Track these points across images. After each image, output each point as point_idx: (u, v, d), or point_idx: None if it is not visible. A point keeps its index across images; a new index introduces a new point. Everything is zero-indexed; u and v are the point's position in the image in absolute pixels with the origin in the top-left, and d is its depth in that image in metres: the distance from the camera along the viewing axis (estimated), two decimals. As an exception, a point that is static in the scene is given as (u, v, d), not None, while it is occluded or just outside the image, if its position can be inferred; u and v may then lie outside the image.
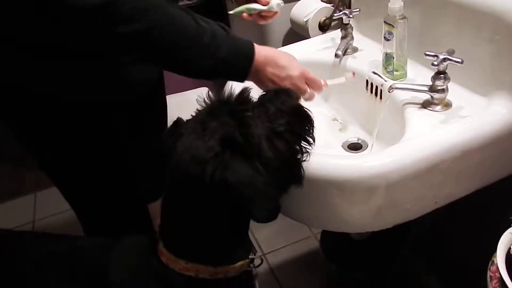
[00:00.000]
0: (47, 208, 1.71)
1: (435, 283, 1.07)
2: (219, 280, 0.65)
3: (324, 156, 0.70)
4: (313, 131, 0.67)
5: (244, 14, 0.86)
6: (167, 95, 1.07)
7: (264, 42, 1.30)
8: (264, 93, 0.67)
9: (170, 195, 0.65)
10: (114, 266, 0.68)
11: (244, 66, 0.71)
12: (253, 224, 0.66)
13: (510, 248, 0.66)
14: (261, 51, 0.72)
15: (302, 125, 0.66)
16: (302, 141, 0.65)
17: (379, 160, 0.67)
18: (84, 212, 0.92)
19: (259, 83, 0.75)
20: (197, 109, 0.65)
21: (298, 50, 1.00)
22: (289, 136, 0.63)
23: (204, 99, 0.64)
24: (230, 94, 0.63)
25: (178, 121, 0.66)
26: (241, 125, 0.60)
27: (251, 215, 0.61)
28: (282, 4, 0.84)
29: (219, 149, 0.57)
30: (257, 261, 0.70)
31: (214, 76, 0.72)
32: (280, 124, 0.62)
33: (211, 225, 0.63)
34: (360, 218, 0.73)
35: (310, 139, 0.66)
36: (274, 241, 1.39)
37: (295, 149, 0.64)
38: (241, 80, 0.72)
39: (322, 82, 0.80)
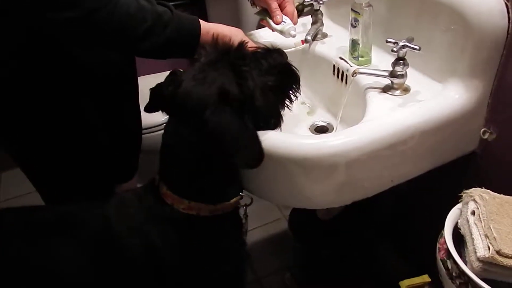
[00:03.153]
0: (12, 190, 1.69)
1: (396, 258, 1.14)
2: (216, 216, 0.73)
3: (288, 136, 0.74)
4: (298, 88, 0.78)
5: (265, 22, 0.91)
6: (143, 75, 1.08)
7: (239, 25, 1.32)
8: (258, 50, 0.75)
9: (171, 139, 0.71)
10: (116, 218, 0.73)
11: (190, 44, 0.75)
12: None
13: (457, 222, 0.71)
14: (207, 27, 0.76)
15: (290, 81, 0.76)
16: (288, 95, 0.76)
17: (339, 140, 0.71)
18: (52, 196, 0.93)
19: None
20: (196, 59, 0.72)
21: (270, 34, 1.03)
22: (278, 89, 0.73)
23: (203, 49, 0.71)
24: (229, 47, 0.71)
25: (175, 71, 0.73)
26: (238, 77, 0.68)
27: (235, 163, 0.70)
28: (294, 33, 0.87)
29: (217, 98, 0.64)
30: (247, 199, 0.80)
31: (162, 55, 0.75)
32: (271, 79, 0.72)
33: (210, 167, 0.70)
34: (321, 195, 0.77)
35: (294, 94, 0.77)
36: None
37: (282, 101, 0.75)
38: (190, 57, 0.75)
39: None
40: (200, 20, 0.77)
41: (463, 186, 0.73)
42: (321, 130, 0.99)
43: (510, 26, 0.70)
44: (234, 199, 0.76)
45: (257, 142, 0.69)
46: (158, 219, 0.73)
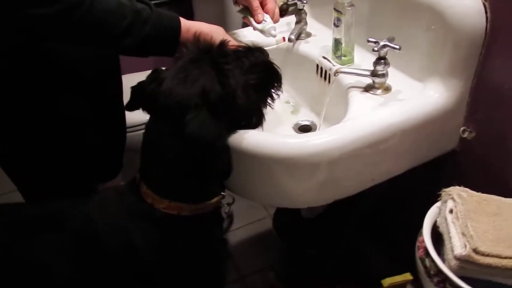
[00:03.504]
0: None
1: (379, 256, 1.15)
2: (197, 215, 0.73)
3: (270, 135, 0.74)
4: (280, 86, 0.78)
5: (247, 21, 0.91)
6: (127, 73, 1.06)
7: (224, 23, 1.32)
8: (240, 48, 0.75)
9: (152, 138, 0.71)
10: (97, 216, 0.73)
11: (171, 41, 0.74)
12: None
13: (436, 221, 0.72)
14: (187, 25, 0.76)
15: (271, 79, 0.77)
16: (270, 93, 0.77)
17: (320, 139, 0.72)
18: (33, 194, 0.92)
19: None
20: (178, 57, 0.72)
21: (254, 33, 1.02)
22: (259, 88, 0.73)
23: (185, 48, 0.71)
24: (211, 46, 0.71)
25: (157, 69, 0.72)
26: (220, 75, 0.68)
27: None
28: (275, 32, 0.87)
29: (198, 100, 0.64)
30: (229, 199, 0.80)
31: (142, 53, 0.74)
32: (253, 77, 0.72)
33: (190, 167, 0.69)
34: (303, 194, 0.77)
35: (276, 93, 0.77)
36: (230, 222, 1.43)
37: (264, 100, 0.76)
38: (171, 55, 0.75)
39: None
40: (181, 18, 0.77)
41: (444, 184, 0.74)
42: (305, 129, 0.99)
43: (488, 26, 0.71)
44: (216, 199, 0.75)
45: (227, 154, 0.71)
46: (139, 218, 0.73)
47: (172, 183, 0.71)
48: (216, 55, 0.70)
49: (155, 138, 0.70)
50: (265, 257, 1.30)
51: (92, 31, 0.69)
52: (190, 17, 1.50)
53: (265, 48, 0.79)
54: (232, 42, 0.78)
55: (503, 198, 0.71)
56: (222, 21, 1.31)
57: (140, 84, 0.73)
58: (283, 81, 1.06)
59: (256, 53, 0.75)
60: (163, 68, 0.71)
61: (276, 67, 0.77)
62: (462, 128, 0.81)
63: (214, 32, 0.78)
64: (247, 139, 0.72)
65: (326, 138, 0.72)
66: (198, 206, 0.73)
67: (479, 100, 0.77)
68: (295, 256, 1.18)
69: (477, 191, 0.72)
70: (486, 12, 0.70)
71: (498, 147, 0.77)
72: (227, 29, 1.11)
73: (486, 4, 0.70)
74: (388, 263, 1.11)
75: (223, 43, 0.72)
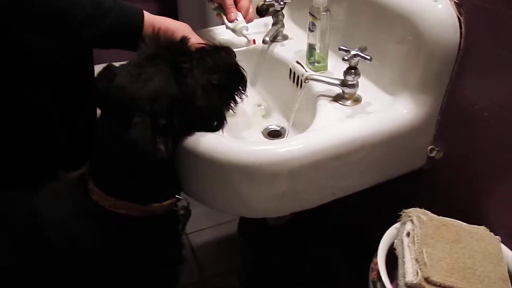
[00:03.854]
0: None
1: (347, 272, 1.12)
2: (148, 217, 0.70)
3: (229, 140, 0.70)
4: (245, 89, 0.74)
5: (221, 18, 0.87)
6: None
7: (204, 20, 1.27)
8: (205, 46, 0.72)
9: (101, 134, 0.67)
10: (43, 210, 0.70)
11: (132, 36, 0.70)
12: None
13: (393, 242, 0.69)
14: (151, 20, 0.72)
15: (235, 82, 0.73)
16: (233, 96, 0.73)
17: (281, 148, 0.68)
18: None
19: None
20: (137, 54, 0.68)
21: (228, 31, 0.99)
22: (222, 89, 0.69)
23: (143, 44, 0.67)
24: (171, 42, 0.67)
25: (109, 66, 0.68)
26: (178, 74, 0.64)
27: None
28: (246, 32, 0.84)
29: (147, 105, 0.61)
30: (183, 202, 0.77)
31: (103, 45, 0.71)
32: (216, 78, 0.68)
33: (138, 165, 0.65)
34: (260, 204, 0.73)
35: (239, 96, 0.74)
36: (199, 222, 1.39)
37: (225, 102, 0.72)
38: (133, 49, 0.71)
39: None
40: (145, 12, 0.73)
41: (406, 204, 0.71)
42: (274, 134, 0.95)
43: (461, 41, 0.68)
44: (169, 201, 0.72)
45: (170, 165, 0.68)
46: (84, 214, 0.70)
47: (118, 182, 0.67)
48: (175, 53, 0.66)
49: (102, 134, 0.67)
50: (229, 260, 1.27)
51: (49, 20, 0.66)
52: (174, 13, 1.46)
53: (235, 49, 0.75)
54: (196, 39, 0.74)
55: (464, 224, 0.68)
56: (202, 18, 1.27)
57: (92, 79, 0.70)
58: (257, 83, 1.03)
59: (221, 53, 0.72)
60: (117, 64, 0.67)
61: (242, 69, 0.73)
62: (430, 147, 0.77)
63: (178, 28, 0.74)
64: (205, 142, 0.68)
65: (286, 148, 0.68)
66: (148, 207, 0.70)
67: (449, 118, 0.74)
68: (259, 263, 1.15)
69: (440, 214, 0.69)
70: (460, 27, 0.67)
71: (465, 169, 0.74)
72: (208, 26, 1.07)
73: (461, 18, 0.67)
74: (356, 279, 1.09)
75: (183, 40, 0.68)
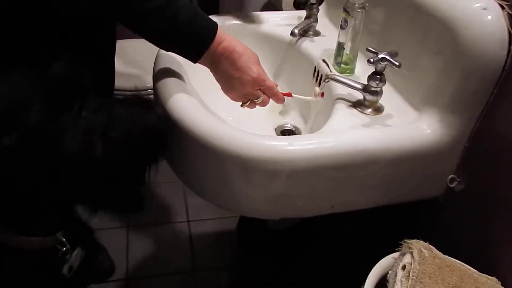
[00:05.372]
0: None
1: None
2: (12, 248, 0.60)
3: (231, 128, 0.65)
4: (162, 156, 0.62)
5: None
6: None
7: (241, 5, 1.23)
8: (130, 96, 0.62)
9: None
10: None
11: (199, 43, 0.64)
12: (189, 191, 0.63)
13: (388, 272, 0.61)
14: (223, 39, 0.65)
15: (149, 146, 0.60)
16: (140, 161, 0.59)
17: (283, 146, 0.62)
18: None
19: (213, 72, 0.70)
20: None
21: (261, 20, 0.94)
22: (120, 146, 0.56)
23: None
24: (63, 73, 0.57)
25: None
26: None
27: None
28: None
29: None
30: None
31: (164, 42, 0.66)
32: (117, 130, 0.55)
33: (5, 189, 0.55)
34: (253, 202, 0.68)
35: (152, 165, 0.61)
36: (202, 212, 1.36)
37: (125, 163, 0.57)
38: (193, 59, 0.66)
39: (286, 92, 0.75)
40: (219, 27, 0.66)
41: (414, 233, 0.63)
42: (288, 134, 0.89)
43: (508, 60, 0.58)
44: (41, 238, 0.62)
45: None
46: None
47: None
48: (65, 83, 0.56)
49: None
50: (224, 255, 1.23)
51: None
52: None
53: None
54: (263, 83, 0.69)
55: (472, 270, 0.59)
56: (238, 2, 1.22)
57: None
58: (280, 77, 0.97)
59: (141, 107, 0.60)
60: None
61: (162, 133, 0.62)
62: (451, 176, 0.68)
63: (244, 54, 0.67)
64: (204, 125, 0.63)
65: (288, 146, 0.62)
66: (10, 238, 0.59)
67: (479, 148, 0.64)
68: (251, 263, 1.09)
69: (446, 253, 0.60)
70: (510, 44, 0.58)
71: (485, 208, 0.64)
72: (246, 10, 1.02)
73: (512, 33, 0.57)
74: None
75: (71, 71, 0.58)
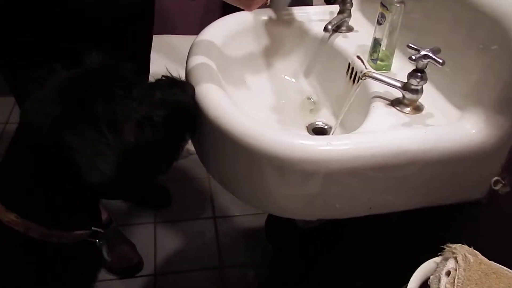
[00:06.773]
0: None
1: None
2: (51, 242, 0.62)
3: (266, 126, 0.64)
4: (192, 136, 0.66)
5: None
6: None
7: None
8: (162, 78, 0.65)
9: (13, 142, 0.62)
10: None
11: None
12: (216, 188, 0.66)
13: (429, 278, 0.60)
14: None
15: (182, 125, 0.64)
16: (179, 139, 0.64)
17: (321, 146, 0.61)
18: None
19: None
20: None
21: (292, 15, 0.92)
22: (162, 129, 0.60)
23: (87, 62, 0.62)
24: (103, 66, 0.61)
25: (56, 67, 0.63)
26: (107, 100, 0.56)
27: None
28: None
29: (69, 108, 0.54)
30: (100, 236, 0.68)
31: None
32: (159, 114, 0.60)
33: (44, 184, 0.60)
34: (289, 202, 0.67)
35: (182, 144, 0.65)
36: (228, 209, 1.36)
37: (164, 144, 0.62)
38: None
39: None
40: None
41: (452, 237, 0.61)
42: (319, 131, 0.88)
43: None
44: (79, 232, 0.65)
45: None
46: None
47: (21, 197, 0.62)
48: (107, 77, 0.59)
49: (14, 143, 0.62)
50: (250, 252, 1.22)
51: None
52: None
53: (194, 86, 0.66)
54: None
55: (520, 276, 0.57)
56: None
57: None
58: (310, 74, 0.96)
59: (174, 88, 0.63)
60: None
61: (195, 112, 0.64)
62: (495, 179, 0.65)
63: None
64: (237, 122, 0.62)
65: (326, 146, 0.61)
66: (52, 232, 0.62)
67: (527, 149, 0.62)
68: (280, 262, 1.08)
69: (492, 259, 0.58)
70: None
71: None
72: (276, 5, 1.01)
73: None
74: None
75: (117, 65, 0.61)
